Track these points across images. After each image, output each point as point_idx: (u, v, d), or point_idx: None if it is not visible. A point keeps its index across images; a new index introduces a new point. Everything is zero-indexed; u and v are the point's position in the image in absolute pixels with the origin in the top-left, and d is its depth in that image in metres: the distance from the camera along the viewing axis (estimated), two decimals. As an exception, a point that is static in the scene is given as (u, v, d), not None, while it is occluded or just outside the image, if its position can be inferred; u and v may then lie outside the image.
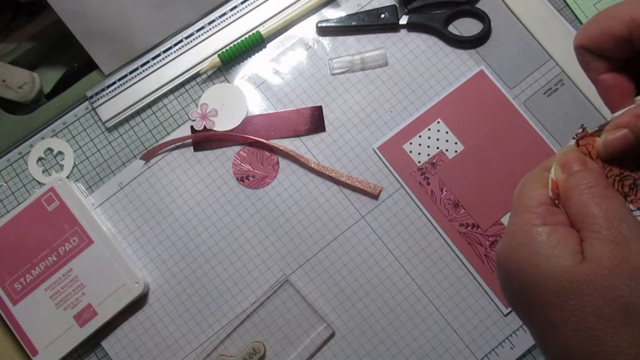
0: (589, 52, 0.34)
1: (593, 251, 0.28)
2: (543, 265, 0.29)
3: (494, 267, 0.52)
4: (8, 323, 0.52)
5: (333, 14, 0.58)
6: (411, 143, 0.55)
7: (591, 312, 0.27)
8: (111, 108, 0.57)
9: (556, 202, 0.32)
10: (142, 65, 0.57)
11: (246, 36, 0.58)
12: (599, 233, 0.28)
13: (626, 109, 0.32)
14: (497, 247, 0.32)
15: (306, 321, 0.52)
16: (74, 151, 0.57)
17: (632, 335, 0.27)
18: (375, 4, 0.58)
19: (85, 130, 0.57)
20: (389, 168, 0.55)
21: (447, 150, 0.54)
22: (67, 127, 0.57)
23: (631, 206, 0.32)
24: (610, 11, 0.33)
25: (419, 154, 0.54)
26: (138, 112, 0.57)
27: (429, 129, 0.55)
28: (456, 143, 0.54)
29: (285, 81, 0.57)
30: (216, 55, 0.57)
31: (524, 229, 0.31)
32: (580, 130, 0.34)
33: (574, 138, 0.34)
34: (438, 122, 0.55)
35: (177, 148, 0.56)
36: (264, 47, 0.58)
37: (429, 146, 0.55)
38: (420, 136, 0.55)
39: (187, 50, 0.58)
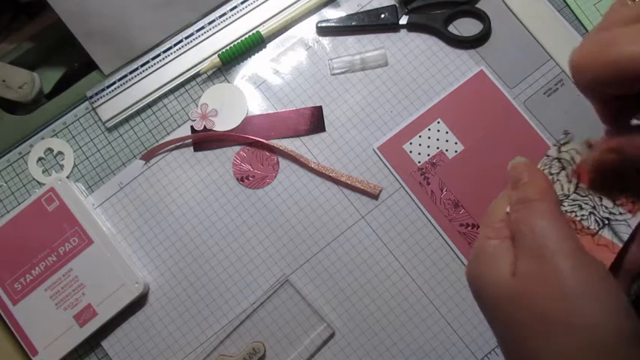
0: (594, 84, 0.29)
1: (520, 267, 0.29)
2: (485, 276, 0.31)
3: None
4: (8, 323, 0.52)
5: (333, 14, 0.58)
6: (411, 143, 0.55)
7: (520, 325, 0.29)
8: (111, 108, 0.57)
9: None
10: (142, 65, 0.57)
11: (246, 36, 0.58)
12: (525, 250, 0.29)
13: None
14: (467, 264, 0.33)
15: (306, 321, 0.52)
16: (74, 151, 0.57)
17: (556, 348, 0.27)
18: (375, 4, 0.58)
19: (85, 130, 0.57)
20: (389, 168, 0.55)
21: (447, 150, 0.54)
22: (67, 127, 0.57)
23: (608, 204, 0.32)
24: (616, 45, 0.26)
25: (419, 154, 0.54)
26: (138, 112, 0.57)
27: (429, 129, 0.55)
28: (456, 143, 0.54)
29: (285, 81, 0.57)
30: (216, 55, 0.57)
31: (479, 243, 0.32)
32: (563, 136, 0.34)
33: (555, 145, 0.34)
34: (438, 122, 0.55)
35: (177, 148, 0.56)
36: (264, 47, 0.58)
37: (429, 146, 0.55)
38: (420, 136, 0.55)
39: (187, 50, 0.58)
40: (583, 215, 0.33)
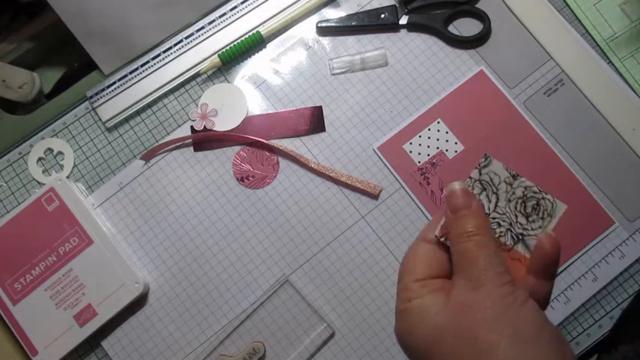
0: None
1: (457, 297, 0.33)
2: (417, 327, 0.33)
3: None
4: (8, 323, 0.52)
5: (333, 14, 0.58)
6: (411, 143, 0.55)
7: (450, 351, 0.31)
8: (111, 108, 0.57)
9: (442, 239, 0.35)
10: (142, 65, 0.57)
11: (246, 36, 0.58)
12: (464, 280, 0.33)
13: None
14: (395, 326, 0.35)
15: (306, 321, 0.52)
16: (74, 151, 0.57)
17: None
18: (375, 4, 0.58)
19: (85, 130, 0.57)
20: (389, 168, 0.55)
21: (447, 150, 0.54)
22: (67, 127, 0.57)
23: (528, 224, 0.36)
24: None
25: (419, 154, 0.54)
26: (138, 112, 0.57)
27: (429, 129, 0.55)
28: (456, 143, 0.54)
29: (285, 81, 0.57)
30: (216, 55, 0.57)
31: (403, 306, 0.34)
32: (483, 159, 0.37)
33: (477, 168, 0.37)
34: (438, 122, 0.55)
35: (177, 148, 0.56)
36: (264, 47, 0.58)
37: (429, 146, 0.55)
38: (420, 136, 0.55)
39: (187, 50, 0.58)
40: (501, 232, 0.36)
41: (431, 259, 0.35)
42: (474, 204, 0.35)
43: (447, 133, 0.55)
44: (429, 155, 0.54)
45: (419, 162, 0.54)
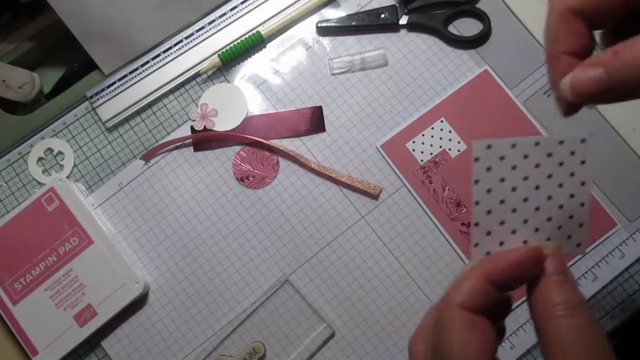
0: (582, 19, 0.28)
1: None
2: None
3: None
4: (8, 323, 0.51)
5: (333, 14, 0.58)
6: (413, 142, 0.55)
7: None
8: (111, 108, 0.57)
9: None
10: (142, 65, 0.57)
11: (246, 36, 0.58)
12: None
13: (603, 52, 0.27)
14: None
15: (306, 321, 0.52)
16: (74, 151, 0.57)
17: None
18: (375, 4, 0.58)
19: (85, 130, 0.57)
20: (391, 166, 0.55)
21: (449, 149, 0.54)
22: (67, 127, 0.57)
23: None
24: None
25: (421, 152, 0.54)
26: (138, 112, 0.57)
27: (432, 128, 0.55)
28: (458, 142, 0.54)
29: (285, 81, 0.57)
30: (216, 55, 0.57)
31: None
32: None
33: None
34: (442, 121, 0.55)
35: (177, 148, 0.56)
36: (264, 47, 0.58)
37: (431, 145, 0.55)
38: (423, 135, 0.55)
39: (187, 50, 0.57)
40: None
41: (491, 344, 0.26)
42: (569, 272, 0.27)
43: (450, 132, 0.55)
44: (431, 154, 0.54)
45: (421, 160, 0.54)
